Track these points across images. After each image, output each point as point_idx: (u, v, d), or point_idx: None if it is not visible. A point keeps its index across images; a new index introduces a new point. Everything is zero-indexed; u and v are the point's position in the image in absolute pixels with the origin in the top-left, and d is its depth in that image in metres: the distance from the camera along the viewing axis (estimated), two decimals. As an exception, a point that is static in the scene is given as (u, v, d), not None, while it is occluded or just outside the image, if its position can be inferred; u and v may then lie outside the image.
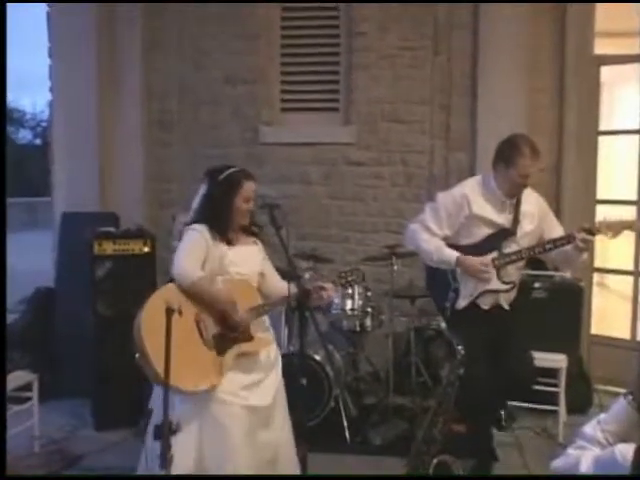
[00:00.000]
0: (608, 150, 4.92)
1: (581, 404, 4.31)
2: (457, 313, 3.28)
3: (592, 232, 3.09)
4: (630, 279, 4.81)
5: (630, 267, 4.79)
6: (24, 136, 29.24)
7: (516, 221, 3.23)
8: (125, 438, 3.96)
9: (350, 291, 4.24)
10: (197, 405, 2.70)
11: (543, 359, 3.69)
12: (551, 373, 3.98)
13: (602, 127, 4.88)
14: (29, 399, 3.83)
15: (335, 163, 5.26)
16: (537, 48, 4.83)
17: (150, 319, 2.61)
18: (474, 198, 3.23)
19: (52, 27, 5.27)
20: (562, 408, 4.02)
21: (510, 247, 3.23)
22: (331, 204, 5.28)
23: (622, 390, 4.46)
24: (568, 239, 3.12)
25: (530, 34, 4.80)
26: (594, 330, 4.91)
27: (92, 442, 3.93)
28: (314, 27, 5.30)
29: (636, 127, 4.71)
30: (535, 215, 3.29)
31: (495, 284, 3.23)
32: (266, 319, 2.99)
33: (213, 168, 2.95)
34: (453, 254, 3.21)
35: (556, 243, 3.15)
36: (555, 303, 4.30)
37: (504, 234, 3.23)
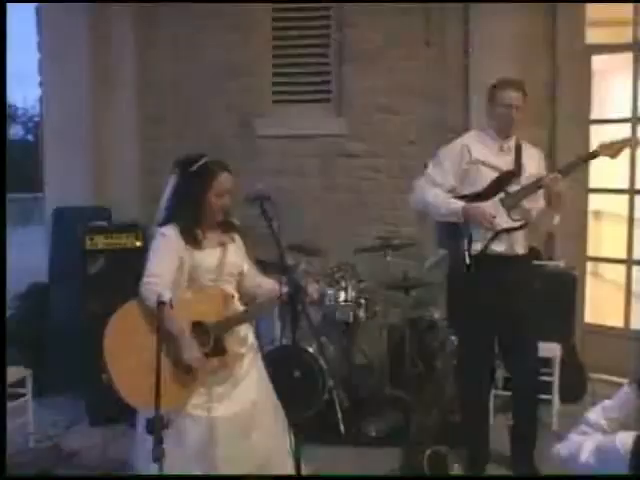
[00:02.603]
0: (600, 139, 4.90)
1: (575, 393, 4.32)
2: (471, 265, 3.25)
3: (594, 156, 3.23)
4: (623, 268, 4.81)
5: (623, 256, 4.80)
6: (16, 132, 29.07)
7: (519, 164, 3.31)
8: (120, 433, 3.96)
9: (343, 283, 4.22)
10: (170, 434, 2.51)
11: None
12: (545, 362, 3.97)
13: (594, 116, 4.86)
14: (23, 395, 3.83)
15: (329, 155, 5.24)
16: (529, 39, 4.80)
17: (112, 343, 2.52)
18: (473, 145, 3.34)
19: (42, 21, 5.22)
20: (556, 397, 4.03)
21: (516, 189, 3.29)
22: (325, 196, 5.26)
23: (617, 378, 4.49)
24: (578, 161, 3.28)
25: (521, 25, 4.76)
26: (588, 319, 4.90)
27: (87, 438, 3.93)
28: (306, 19, 5.28)
29: (628, 116, 4.70)
30: (537, 164, 3.39)
31: (506, 223, 3.27)
32: (243, 329, 2.78)
33: (184, 158, 2.76)
34: (459, 204, 3.27)
35: (569, 167, 3.23)
36: (549, 292, 4.29)
37: (508, 177, 3.29)
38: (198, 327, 2.64)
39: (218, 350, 2.64)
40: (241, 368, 2.75)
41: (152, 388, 2.21)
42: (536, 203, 3.33)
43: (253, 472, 2.68)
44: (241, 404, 2.69)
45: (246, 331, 2.83)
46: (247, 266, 2.87)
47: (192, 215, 2.69)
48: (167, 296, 2.47)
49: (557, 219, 3.34)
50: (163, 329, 2.50)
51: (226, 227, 2.82)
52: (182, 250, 2.65)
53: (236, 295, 2.82)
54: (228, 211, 2.79)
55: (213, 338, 2.63)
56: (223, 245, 2.77)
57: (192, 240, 2.67)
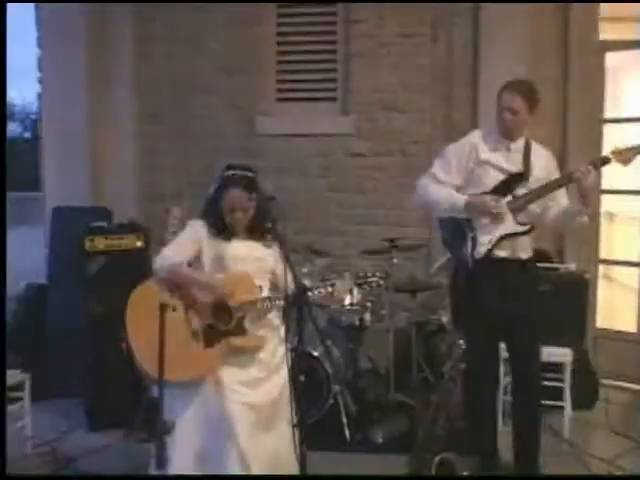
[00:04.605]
0: (614, 138, 4.82)
1: (587, 399, 4.21)
2: (475, 268, 3.18)
3: (605, 162, 3.10)
4: (636, 271, 4.72)
5: (636, 259, 4.71)
6: (13, 129, 28.87)
7: (527, 166, 3.22)
8: (120, 439, 3.88)
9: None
10: (196, 403, 2.66)
11: (548, 354, 3.62)
12: (556, 368, 3.89)
13: (607, 115, 4.78)
14: (20, 399, 3.74)
15: (334, 154, 5.15)
16: (540, 34, 4.73)
17: (134, 316, 2.67)
18: (481, 145, 3.25)
19: (41, 17, 5.14)
20: (567, 403, 3.93)
21: (523, 191, 3.20)
22: (330, 196, 5.17)
23: (629, 385, 4.39)
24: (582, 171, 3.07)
25: (533, 20, 4.69)
26: (600, 323, 4.83)
27: (86, 443, 3.83)
28: (311, 14, 5.19)
29: (643, 115, 4.62)
30: (545, 166, 3.28)
31: (512, 227, 3.18)
32: (275, 319, 2.88)
33: (229, 163, 2.89)
34: (462, 197, 3.20)
35: (571, 177, 3.10)
36: (560, 296, 4.21)
37: (516, 179, 3.21)
38: (220, 306, 2.74)
39: (238, 330, 2.74)
40: (274, 358, 2.80)
41: (172, 358, 2.39)
42: (557, 202, 3.23)
43: (263, 470, 2.68)
44: (266, 396, 2.74)
45: (278, 327, 2.89)
46: (280, 271, 2.80)
47: (215, 216, 2.84)
48: (176, 259, 2.73)
49: (586, 218, 3.22)
50: (192, 292, 2.73)
51: (261, 233, 2.87)
52: (205, 240, 2.81)
53: (265, 287, 2.88)
54: (266, 218, 2.76)
55: (235, 318, 2.73)
56: (251, 241, 2.87)
57: (219, 233, 2.83)
